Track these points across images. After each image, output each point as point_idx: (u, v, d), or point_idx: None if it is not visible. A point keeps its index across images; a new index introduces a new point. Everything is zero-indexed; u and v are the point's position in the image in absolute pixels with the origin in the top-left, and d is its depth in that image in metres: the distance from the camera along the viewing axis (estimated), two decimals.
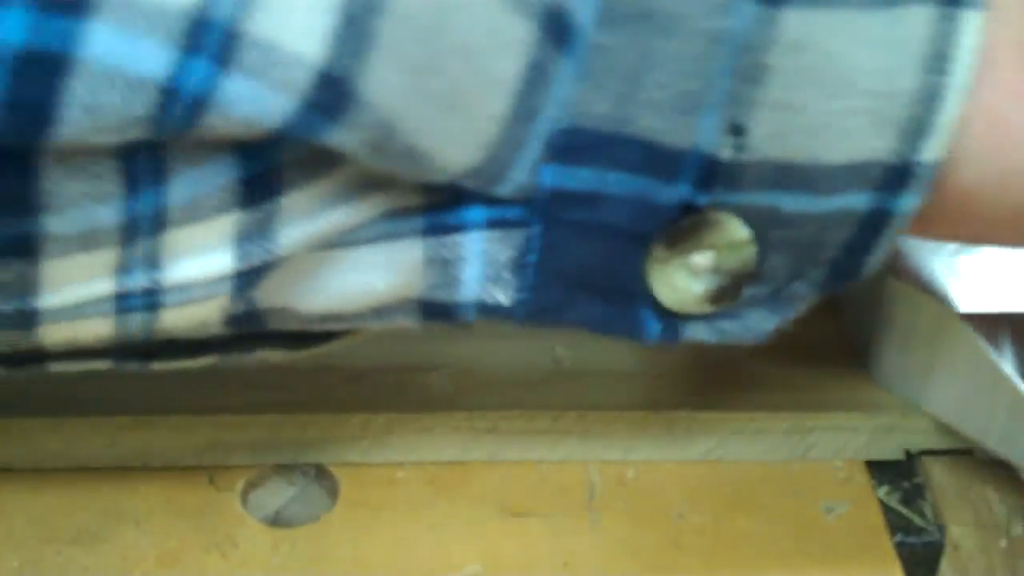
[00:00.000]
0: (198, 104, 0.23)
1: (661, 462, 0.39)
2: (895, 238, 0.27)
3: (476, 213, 0.27)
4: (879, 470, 0.39)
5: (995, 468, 0.39)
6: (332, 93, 0.24)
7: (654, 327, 0.29)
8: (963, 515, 0.38)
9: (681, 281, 0.28)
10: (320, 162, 0.26)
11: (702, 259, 0.27)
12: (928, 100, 0.26)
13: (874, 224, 0.27)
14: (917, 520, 0.38)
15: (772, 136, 0.26)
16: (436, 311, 0.29)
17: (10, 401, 0.38)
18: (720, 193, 0.27)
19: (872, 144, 0.26)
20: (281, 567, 0.36)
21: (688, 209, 0.27)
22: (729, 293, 0.28)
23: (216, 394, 0.39)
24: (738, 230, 0.27)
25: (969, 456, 0.40)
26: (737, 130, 0.26)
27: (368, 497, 0.38)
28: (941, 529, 0.38)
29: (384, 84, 0.24)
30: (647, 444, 0.39)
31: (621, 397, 0.39)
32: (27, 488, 0.38)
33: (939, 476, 0.39)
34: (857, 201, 0.27)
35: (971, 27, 0.26)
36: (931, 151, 0.26)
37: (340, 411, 0.39)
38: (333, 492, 0.38)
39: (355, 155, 0.25)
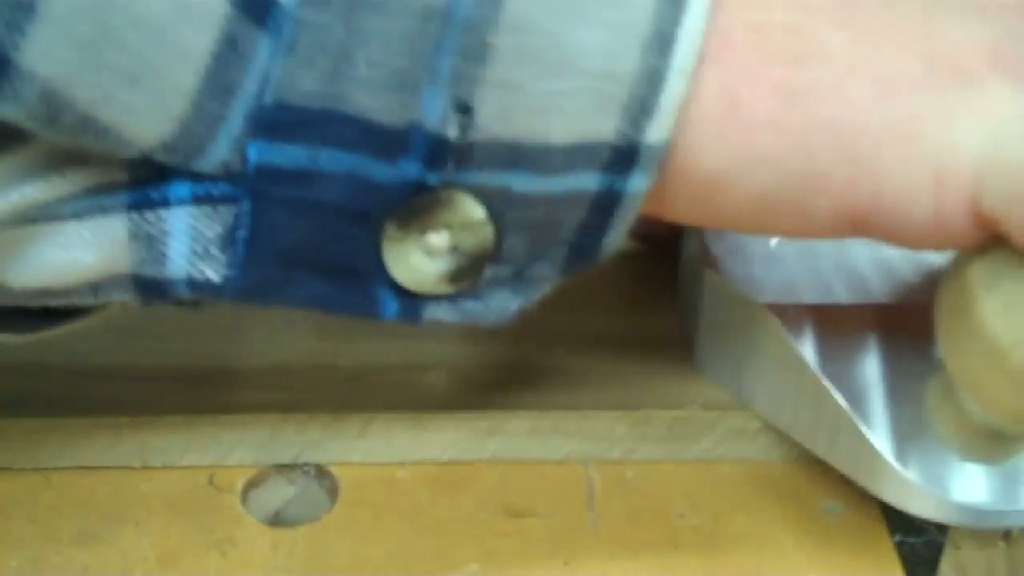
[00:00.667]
0: None
1: (661, 462, 0.39)
2: (629, 219, 0.28)
3: (181, 189, 0.27)
4: None
5: None
6: None
7: (391, 306, 0.29)
8: None
9: (418, 261, 0.28)
10: (6, 136, 0.26)
11: (438, 239, 0.28)
12: (650, 81, 0.26)
13: (605, 205, 0.27)
14: (917, 520, 0.38)
15: (498, 116, 0.26)
16: (149, 287, 0.29)
17: (10, 401, 0.38)
18: (451, 172, 0.27)
19: (596, 125, 0.26)
20: (281, 567, 0.36)
21: (420, 188, 0.27)
22: (469, 273, 0.28)
23: (216, 394, 0.39)
24: (473, 209, 0.27)
25: None
26: (464, 108, 0.26)
27: (368, 497, 0.38)
28: (941, 529, 0.38)
29: (48, 56, 0.25)
30: (647, 444, 0.39)
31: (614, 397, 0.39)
32: (27, 488, 0.38)
33: None
34: (586, 182, 0.27)
35: (695, 9, 0.26)
36: (656, 132, 0.26)
37: (340, 411, 0.39)
38: (333, 492, 0.38)
39: (30, 127, 0.26)
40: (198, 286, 0.28)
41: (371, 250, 0.28)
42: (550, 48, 0.26)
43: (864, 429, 0.35)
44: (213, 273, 0.28)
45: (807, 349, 0.36)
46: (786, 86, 0.27)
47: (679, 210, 0.29)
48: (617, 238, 0.28)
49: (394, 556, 0.36)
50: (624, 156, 0.27)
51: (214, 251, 0.28)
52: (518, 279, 0.29)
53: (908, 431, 0.35)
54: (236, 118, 0.26)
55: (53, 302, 0.30)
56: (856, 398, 0.35)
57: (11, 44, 0.24)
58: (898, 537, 0.38)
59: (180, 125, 0.26)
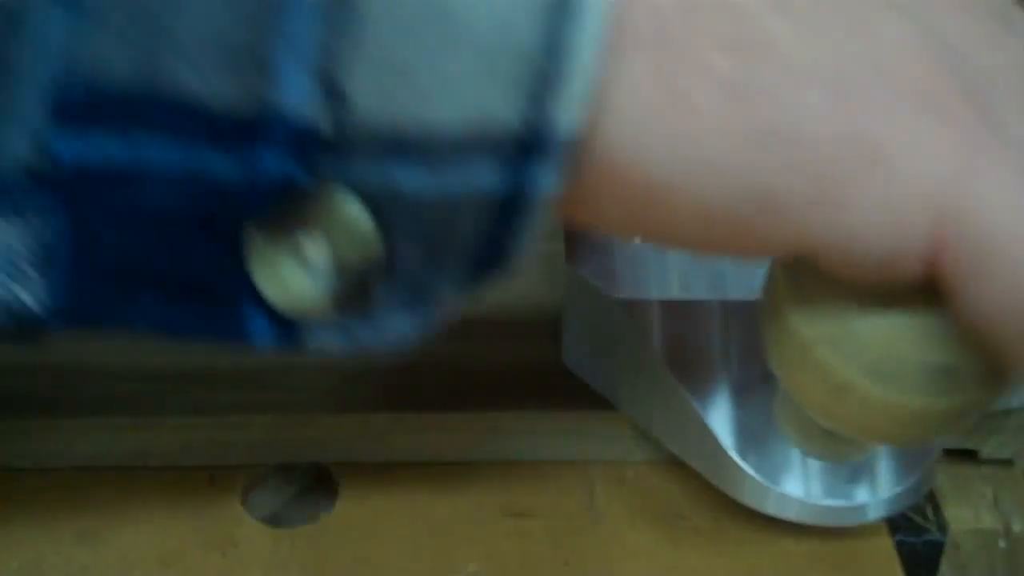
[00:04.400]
0: None
1: (661, 462, 0.39)
2: (537, 223, 0.24)
3: None
4: None
5: (995, 468, 0.39)
6: None
7: (264, 332, 0.25)
8: (963, 515, 0.38)
9: (291, 276, 0.23)
10: None
11: (315, 247, 0.23)
12: (554, 53, 0.22)
13: (508, 205, 0.23)
14: (917, 520, 0.38)
15: (377, 98, 0.22)
16: None
17: (10, 401, 0.38)
18: (325, 167, 0.22)
19: (492, 105, 0.22)
20: (281, 567, 0.36)
21: (288, 187, 0.22)
22: (357, 293, 0.24)
23: (216, 394, 0.39)
24: (356, 213, 0.23)
25: (969, 456, 0.40)
26: (334, 91, 0.22)
27: (368, 497, 0.38)
28: (941, 529, 0.38)
29: None
30: (647, 444, 0.39)
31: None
32: (27, 488, 0.38)
33: (939, 476, 0.39)
34: (485, 178, 0.23)
35: None
36: (565, 115, 0.22)
37: (340, 411, 0.39)
38: (333, 492, 0.38)
39: None
40: (14, 314, 0.24)
41: (231, 263, 0.23)
42: (434, 17, 0.22)
43: (709, 422, 0.35)
44: (28, 296, 0.24)
45: (657, 345, 0.36)
46: (731, 79, 0.23)
47: (612, 219, 0.25)
48: (524, 247, 0.24)
49: (394, 556, 0.36)
50: (528, 144, 0.23)
51: (30, 271, 0.24)
52: (414, 297, 0.25)
53: (753, 427, 0.35)
54: (29, 105, 0.22)
55: None
56: (702, 393, 0.36)
57: None
58: (898, 537, 0.38)
59: None
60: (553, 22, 0.22)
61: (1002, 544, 0.38)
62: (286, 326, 0.24)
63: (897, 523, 0.38)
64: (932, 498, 0.39)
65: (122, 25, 0.21)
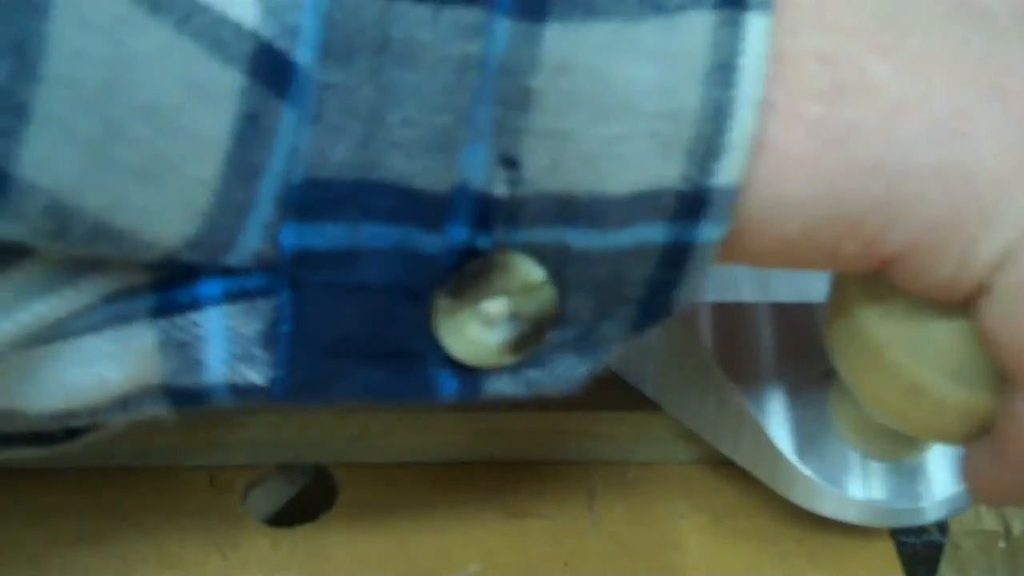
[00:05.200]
0: None
1: (661, 462, 0.39)
2: (703, 270, 0.25)
3: (211, 287, 0.24)
4: None
5: None
6: None
7: (449, 385, 0.26)
8: (963, 515, 0.38)
9: (475, 332, 0.25)
10: (7, 249, 0.23)
11: (495, 306, 0.25)
12: (715, 117, 0.23)
13: (675, 257, 0.24)
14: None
15: (548, 167, 0.23)
16: (184, 397, 0.26)
17: None
18: (503, 233, 0.24)
19: (657, 171, 0.23)
20: (281, 567, 0.36)
21: (470, 253, 0.24)
22: (531, 340, 0.25)
23: None
24: (531, 271, 0.24)
25: None
26: (510, 162, 0.23)
27: (368, 497, 0.38)
28: (941, 529, 0.38)
29: (50, 163, 0.22)
30: (647, 444, 0.39)
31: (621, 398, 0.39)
32: (27, 488, 0.38)
33: None
34: (651, 234, 0.24)
35: (757, 31, 0.23)
36: (726, 173, 0.23)
37: (340, 411, 0.39)
38: (333, 492, 0.38)
39: (37, 244, 0.23)
40: (240, 390, 0.26)
41: (423, 327, 0.25)
42: (598, 89, 0.23)
43: (765, 425, 0.35)
44: (256, 375, 0.25)
45: (709, 347, 0.36)
46: (823, 125, 0.24)
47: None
48: (692, 290, 0.25)
49: (394, 556, 0.36)
50: (692, 203, 0.24)
51: (255, 351, 0.25)
52: (584, 342, 0.26)
53: (810, 429, 0.35)
54: (266, 202, 0.23)
55: (76, 423, 0.27)
56: (757, 396, 0.36)
57: (5, 154, 0.21)
58: (898, 537, 0.38)
59: (205, 219, 0.23)
60: (713, 85, 0.23)
61: (1002, 544, 0.38)
62: (468, 377, 0.26)
63: None
64: None
65: (340, 118, 0.23)
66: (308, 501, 0.39)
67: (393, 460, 0.39)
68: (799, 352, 0.36)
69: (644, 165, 0.23)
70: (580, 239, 0.24)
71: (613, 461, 0.39)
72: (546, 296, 0.25)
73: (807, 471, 0.35)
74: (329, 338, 0.25)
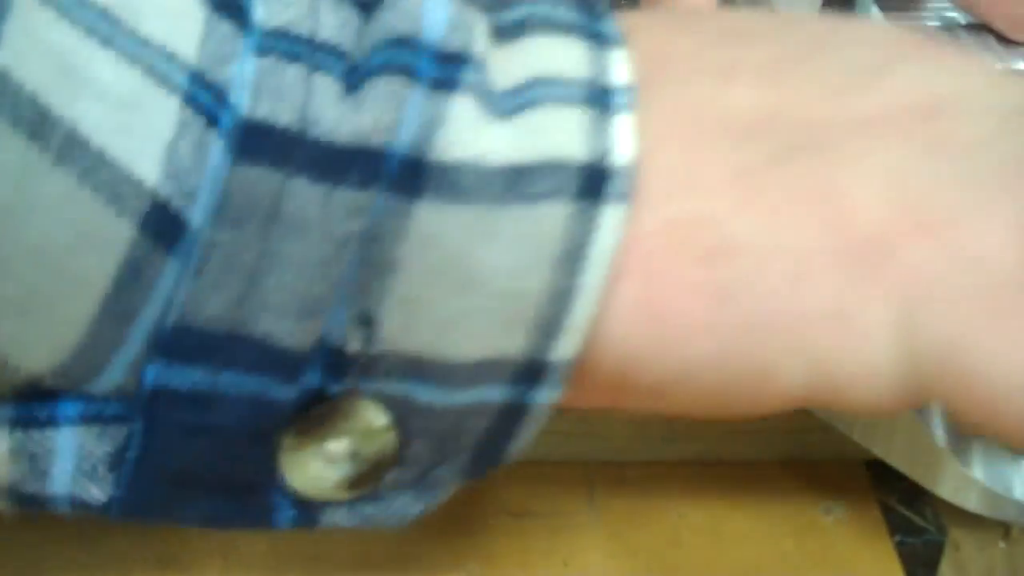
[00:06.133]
0: None
1: (661, 462, 0.39)
2: (536, 426, 0.26)
3: (69, 408, 0.26)
4: (879, 470, 0.39)
5: None
6: None
7: (287, 515, 0.27)
8: (963, 515, 0.38)
9: (316, 469, 0.26)
10: None
11: (338, 446, 0.26)
12: (557, 301, 0.25)
13: (512, 415, 0.26)
14: (917, 520, 0.38)
15: (401, 329, 0.25)
16: (26, 501, 0.27)
17: None
18: (352, 382, 0.25)
19: (501, 343, 0.25)
20: (281, 567, 0.36)
21: (320, 397, 0.26)
22: (369, 478, 0.27)
23: None
24: (376, 417, 0.26)
25: None
26: (367, 320, 0.25)
27: None
28: (941, 529, 0.38)
29: None
30: (647, 444, 0.39)
31: None
32: None
33: None
34: (492, 394, 0.26)
35: (609, 224, 0.25)
36: (563, 350, 0.25)
37: None
38: None
39: None
40: (80, 504, 0.27)
41: (267, 464, 0.26)
42: (457, 265, 0.25)
43: (924, 424, 0.35)
44: (98, 492, 0.26)
45: None
46: (709, 287, 0.25)
47: (607, 403, 0.28)
48: (523, 444, 0.27)
49: (394, 556, 0.36)
50: (531, 372, 0.26)
51: (100, 471, 0.26)
52: (420, 483, 0.27)
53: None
54: (134, 343, 0.25)
55: None
56: None
57: None
58: (898, 537, 0.38)
59: (72, 354, 0.25)
60: (559, 272, 0.25)
61: (1002, 544, 0.38)
62: (305, 509, 0.27)
63: (897, 523, 0.38)
64: (932, 498, 0.39)
65: (219, 276, 0.24)
66: None
67: None
68: None
69: (490, 336, 0.25)
70: (426, 394, 0.26)
71: (613, 461, 0.39)
72: (388, 440, 0.26)
73: (971, 472, 0.34)
74: (173, 468, 0.26)
